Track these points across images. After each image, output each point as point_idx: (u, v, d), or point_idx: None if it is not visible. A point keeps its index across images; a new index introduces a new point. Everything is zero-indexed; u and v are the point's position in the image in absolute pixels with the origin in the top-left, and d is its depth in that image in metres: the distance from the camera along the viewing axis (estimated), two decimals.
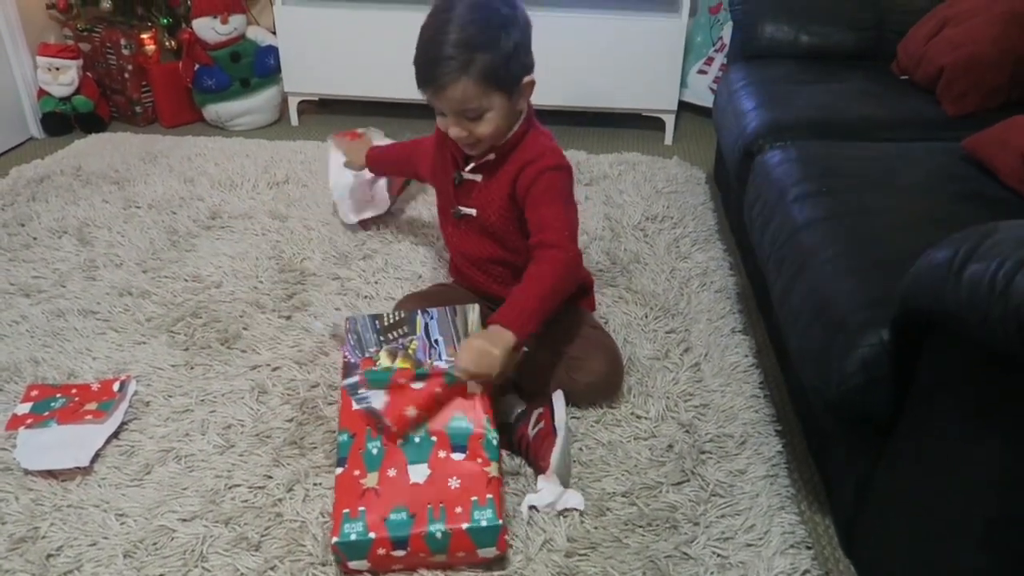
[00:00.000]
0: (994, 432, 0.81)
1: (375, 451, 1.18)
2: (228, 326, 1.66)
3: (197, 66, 2.70)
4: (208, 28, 2.66)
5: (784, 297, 1.28)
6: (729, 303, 1.76)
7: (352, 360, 1.31)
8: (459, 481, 1.13)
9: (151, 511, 1.23)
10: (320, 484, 1.27)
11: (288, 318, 1.69)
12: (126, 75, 2.75)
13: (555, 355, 1.42)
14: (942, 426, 0.91)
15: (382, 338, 1.35)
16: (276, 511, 1.23)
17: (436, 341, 1.33)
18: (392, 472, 1.15)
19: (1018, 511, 0.78)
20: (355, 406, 1.24)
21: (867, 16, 2.08)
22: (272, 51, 2.79)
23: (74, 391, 1.45)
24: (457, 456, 1.17)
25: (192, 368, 1.54)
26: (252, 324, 1.67)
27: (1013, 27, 1.63)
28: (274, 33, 2.78)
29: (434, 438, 1.19)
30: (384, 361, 1.29)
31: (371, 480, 1.14)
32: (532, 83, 1.35)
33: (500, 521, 1.09)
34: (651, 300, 1.76)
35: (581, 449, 1.36)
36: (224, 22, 2.66)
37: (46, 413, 1.39)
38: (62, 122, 2.73)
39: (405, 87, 2.70)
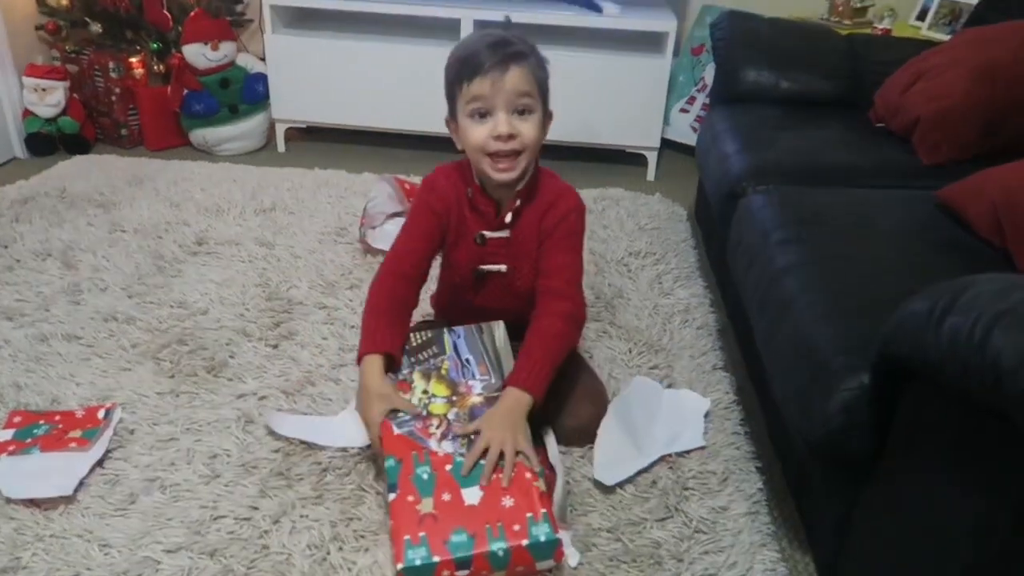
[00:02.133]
0: (969, 480, 0.85)
1: (425, 476, 1.18)
2: (214, 354, 1.66)
3: (186, 91, 2.71)
4: (199, 54, 2.67)
5: (767, 339, 1.32)
6: (710, 339, 1.80)
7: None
8: (512, 500, 1.15)
9: (135, 542, 1.22)
10: (307, 516, 1.27)
11: (275, 347, 1.70)
12: (113, 97, 2.75)
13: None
14: (919, 471, 0.94)
15: (413, 359, 1.36)
16: (262, 543, 1.22)
17: (467, 360, 1.36)
18: (447, 496, 1.16)
19: (992, 559, 0.81)
20: (396, 430, 1.25)
21: (844, 66, 2.15)
22: (261, 78, 2.81)
23: (58, 418, 1.44)
24: None
25: (178, 396, 1.54)
26: (238, 352, 1.67)
27: (984, 81, 1.70)
28: (263, 60, 2.81)
29: (482, 461, 1.20)
30: (419, 383, 1.32)
31: (427, 505, 1.15)
32: (551, 116, 1.37)
33: (557, 535, 1.12)
34: (635, 335, 1.80)
35: (568, 483, 1.37)
36: (215, 49, 2.68)
37: (29, 440, 1.38)
38: (47, 143, 2.73)
39: (392, 117, 2.78)
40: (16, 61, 2.67)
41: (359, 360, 1.34)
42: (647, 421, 1.50)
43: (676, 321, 1.86)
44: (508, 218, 1.40)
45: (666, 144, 2.94)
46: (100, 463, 1.36)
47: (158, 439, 1.43)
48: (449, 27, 2.61)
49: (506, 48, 1.27)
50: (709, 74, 2.82)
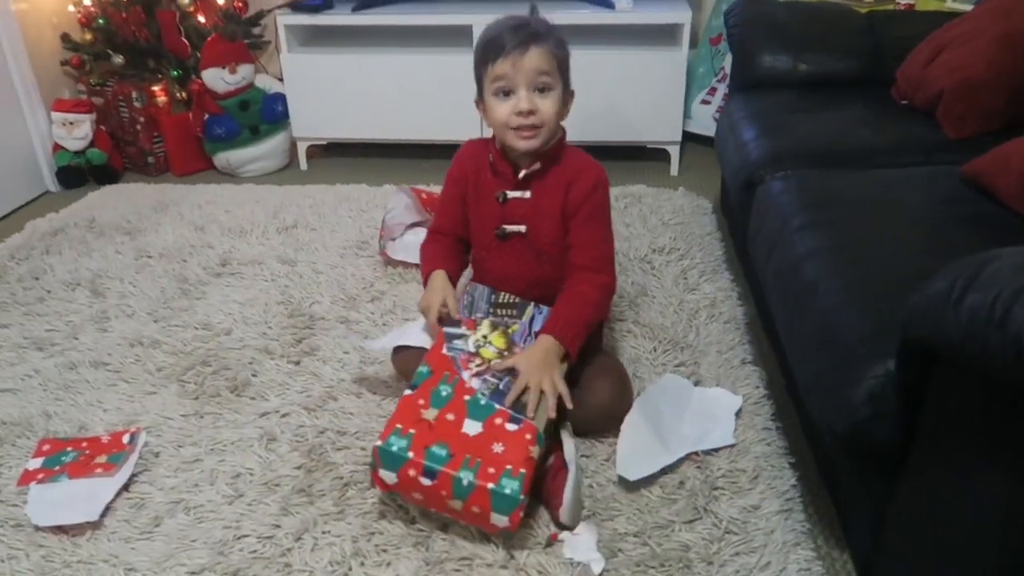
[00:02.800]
0: (999, 465, 0.80)
1: (444, 393, 1.27)
2: (237, 373, 1.66)
3: (207, 115, 2.75)
4: (217, 78, 2.71)
5: (789, 328, 1.27)
6: (738, 334, 1.75)
7: (458, 318, 1.42)
8: (502, 447, 1.20)
9: (160, 565, 1.22)
10: (328, 532, 1.26)
11: (297, 363, 1.70)
12: (138, 126, 2.81)
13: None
14: (949, 458, 0.89)
15: (491, 310, 1.45)
16: (285, 561, 1.22)
17: (535, 334, 1.40)
18: (450, 416, 1.24)
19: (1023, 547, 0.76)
20: (443, 350, 1.35)
21: (864, 43, 2.08)
22: (280, 98, 2.84)
23: (85, 444, 1.46)
24: (511, 427, 1.23)
25: (202, 417, 1.55)
26: (261, 371, 1.68)
27: (1007, 50, 1.63)
28: (282, 80, 2.83)
29: (497, 406, 1.26)
30: (484, 328, 1.40)
31: (430, 415, 1.23)
32: (573, 94, 1.43)
33: (522, 497, 1.14)
34: (659, 333, 1.76)
35: (592, 486, 1.34)
36: (232, 72, 2.72)
37: (57, 467, 1.40)
38: (77, 175, 2.79)
39: (411, 127, 2.78)
40: (44, 97, 2.74)
41: (425, 281, 1.51)
42: (675, 417, 1.46)
43: (702, 316, 1.82)
44: (522, 174, 1.44)
45: (688, 137, 2.88)
46: (126, 487, 1.37)
47: (183, 461, 1.44)
48: (461, 33, 2.60)
49: (526, 30, 1.35)
50: (729, 63, 2.76)
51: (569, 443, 1.32)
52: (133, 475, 1.40)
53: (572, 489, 1.23)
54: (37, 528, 1.29)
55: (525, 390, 1.28)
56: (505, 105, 1.37)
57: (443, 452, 1.18)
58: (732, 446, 1.42)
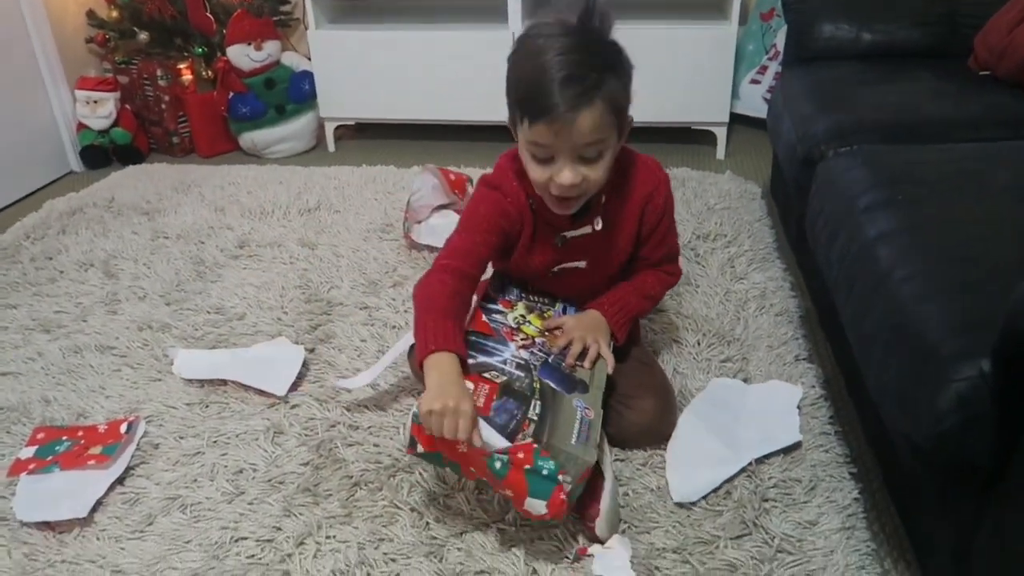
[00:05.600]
0: None
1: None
2: None
3: (231, 94, 2.66)
4: (242, 55, 2.61)
5: (857, 321, 1.11)
6: (791, 327, 1.59)
7: (492, 295, 1.35)
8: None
9: (149, 568, 1.12)
10: (333, 538, 1.14)
11: (311, 351, 1.59)
12: (163, 106, 2.73)
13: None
14: None
15: (523, 295, 1.37)
16: (283, 568, 1.10)
17: None
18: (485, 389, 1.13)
19: None
20: (484, 317, 1.27)
21: (936, 9, 1.89)
22: (307, 76, 2.73)
23: (80, 433, 1.36)
24: None
25: (207, 407, 1.44)
26: None
27: None
28: (309, 58, 2.73)
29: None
30: (521, 309, 1.33)
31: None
32: (632, 121, 1.19)
33: (561, 477, 1.01)
34: (704, 325, 1.60)
35: (627, 494, 1.20)
36: (258, 49, 2.62)
37: (49, 458, 1.30)
38: (101, 155, 2.72)
39: (442, 107, 2.65)
40: (68, 75, 2.67)
41: (425, 356, 1.08)
42: (729, 423, 1.31)
43: (751, 308, 1.66)
44: (599, 224, 1.26)
45: (736, 119, 2.71)
46: (120, 480, 1.28)
47: (183, 453, 1.33)
48: (495, 10, 2.47)
49: (580, 83, 1.04)
50: (781, 40, 2.58)
51: (603, 446, 1.18)
52: (129, 467, 1.30)
53: (610, 496, 1.10)
54: (23, 524, 1.20)
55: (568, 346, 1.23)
56: (543, 171, 1.12)
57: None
58: (797, 445, 1.27)
